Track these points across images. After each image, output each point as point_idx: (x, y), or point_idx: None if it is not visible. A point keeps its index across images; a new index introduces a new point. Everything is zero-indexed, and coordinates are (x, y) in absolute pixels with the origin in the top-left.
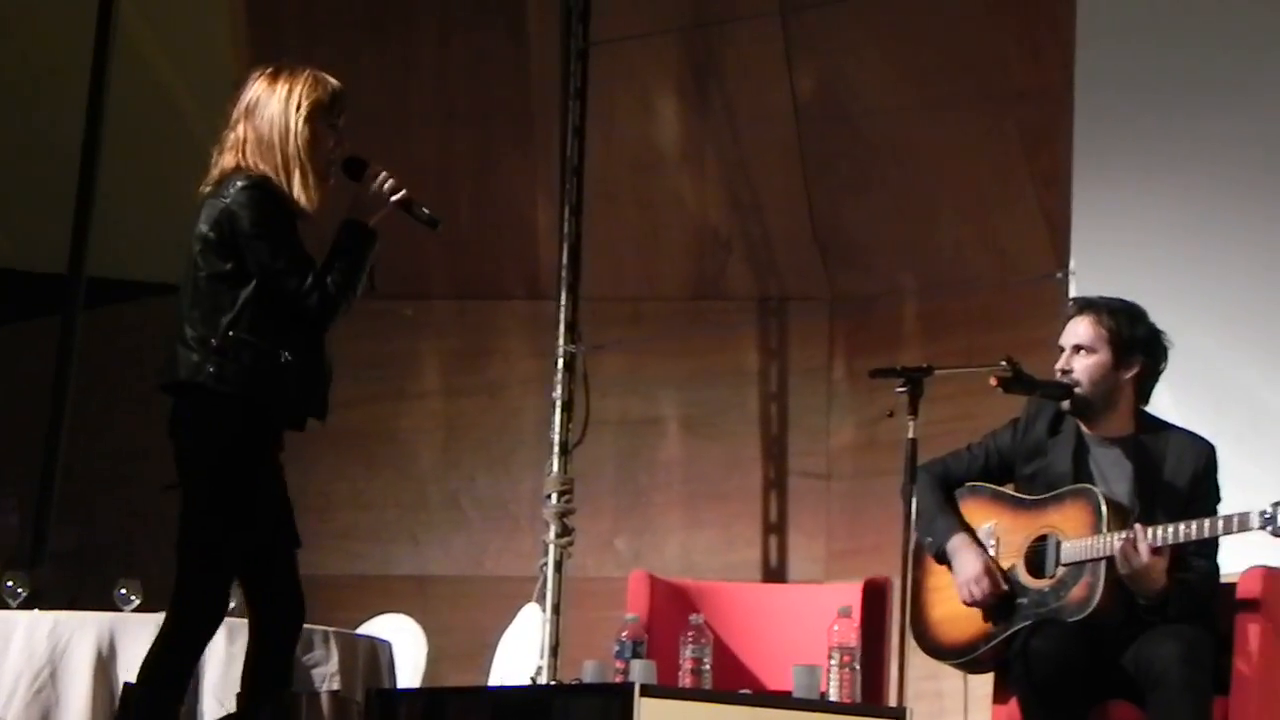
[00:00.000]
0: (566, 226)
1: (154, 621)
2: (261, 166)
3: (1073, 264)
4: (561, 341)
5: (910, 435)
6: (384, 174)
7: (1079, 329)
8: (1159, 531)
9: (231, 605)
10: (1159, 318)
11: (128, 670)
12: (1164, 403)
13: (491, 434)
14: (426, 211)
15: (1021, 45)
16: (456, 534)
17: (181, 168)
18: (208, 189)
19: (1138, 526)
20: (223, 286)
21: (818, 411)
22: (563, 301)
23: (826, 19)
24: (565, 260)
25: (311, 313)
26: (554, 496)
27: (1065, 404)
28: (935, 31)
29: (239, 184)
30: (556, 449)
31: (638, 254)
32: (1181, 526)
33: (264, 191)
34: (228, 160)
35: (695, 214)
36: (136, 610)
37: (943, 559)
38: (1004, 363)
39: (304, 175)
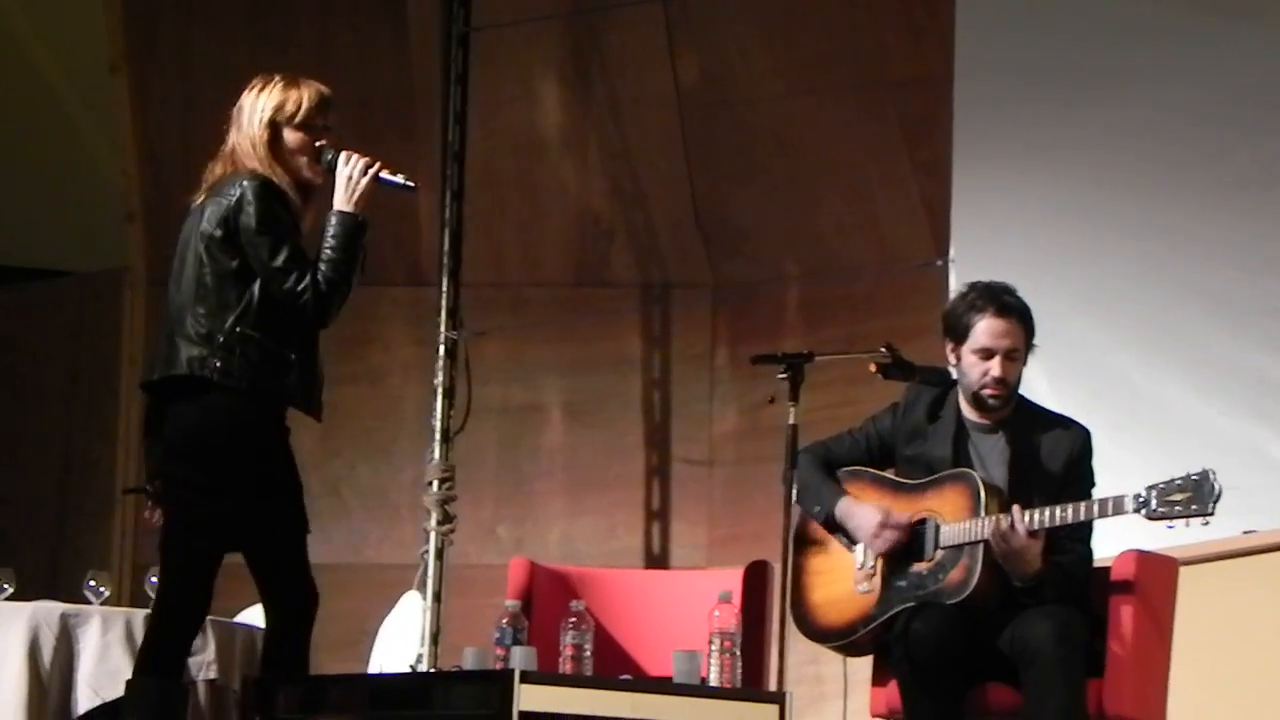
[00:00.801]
0: (448, 212)
1: (28, 610)
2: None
3: (953, 251)
4: (443, 328)
5: (791, 421)
6: (352, 155)
7: (1011, 334)
8: (1036, 514)
9: (105, 594)
10: (1037, 305)
11: (0, 660)
12: (1042, 389)
13: (372, 421)
14: (399, 178)
15: (902, 34)
16: (337, 522)
17: (58, 153)
18: (201, 197)
19: (1015, 508)
20: (230, 283)
21: (700, 398)
22: (444, 288)
23: (709, 6)
24: (447, 246)
25: (307, 311)
26: (435, 484)
27: (953, 390)
28: (817, 19)
29: (244, 182)
30: (438, 436)
31: (520, 240)
32: (1058, 509)
33: (269, 189)
34: (219, 168)
35: (578, 201)
36: (9, 599)
37: (833, 525)
38: (884, 349)
39: (281, 178)
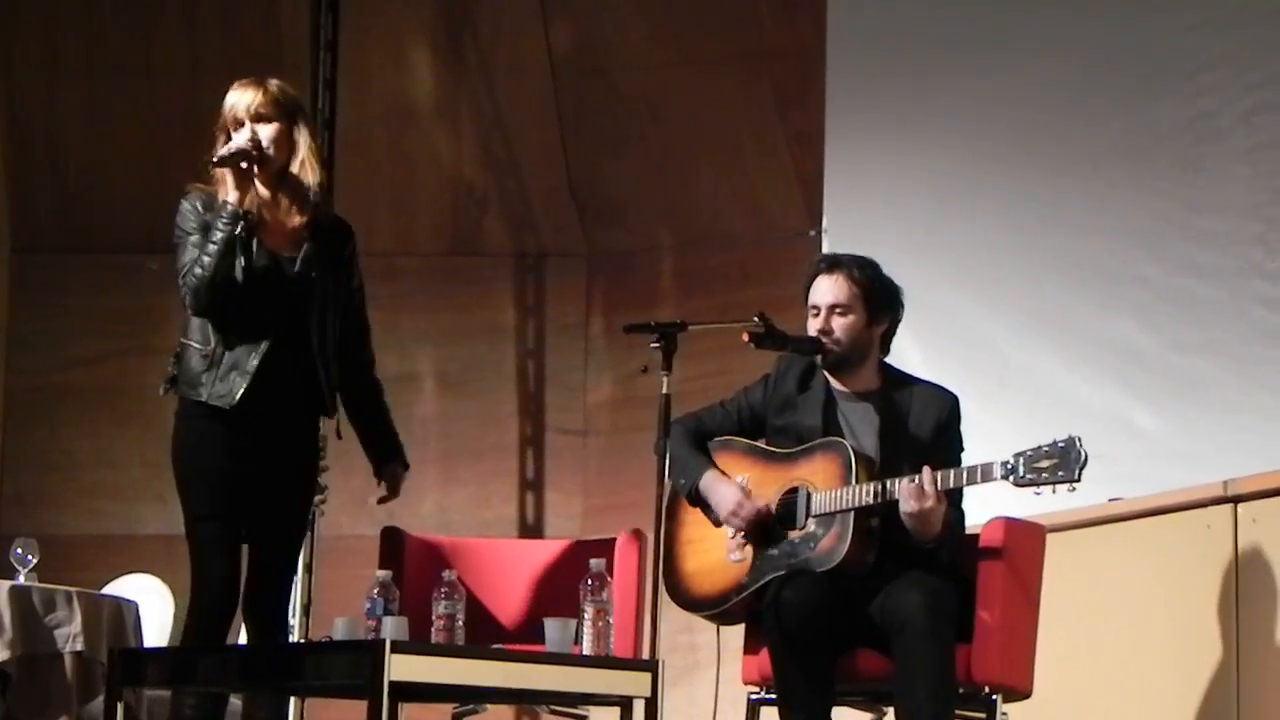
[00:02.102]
0: None
1: None
2: None
3: (825, 222)
4: None
5: (664, 391)
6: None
7: (835, 288)
8: (948, 475)
9: None
10: (909, 274)
11: None
12: (913, 359)
13: None
14: (229, 151)
15: (775, 4)
16: None
17: None
18: None
19: (925, 469)
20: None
21: (575, 368)
22: None
23: None
24: None
25: (190, 308)
26: None
27: (819, 360)
28: None
29: None
30: None
31: (392, 209)
32: (952, 472)
33: (182, 201)
34: None
35: (450, 169)
36: None
37: (696, 500)
38: (757, 319)
39: (222, 179)
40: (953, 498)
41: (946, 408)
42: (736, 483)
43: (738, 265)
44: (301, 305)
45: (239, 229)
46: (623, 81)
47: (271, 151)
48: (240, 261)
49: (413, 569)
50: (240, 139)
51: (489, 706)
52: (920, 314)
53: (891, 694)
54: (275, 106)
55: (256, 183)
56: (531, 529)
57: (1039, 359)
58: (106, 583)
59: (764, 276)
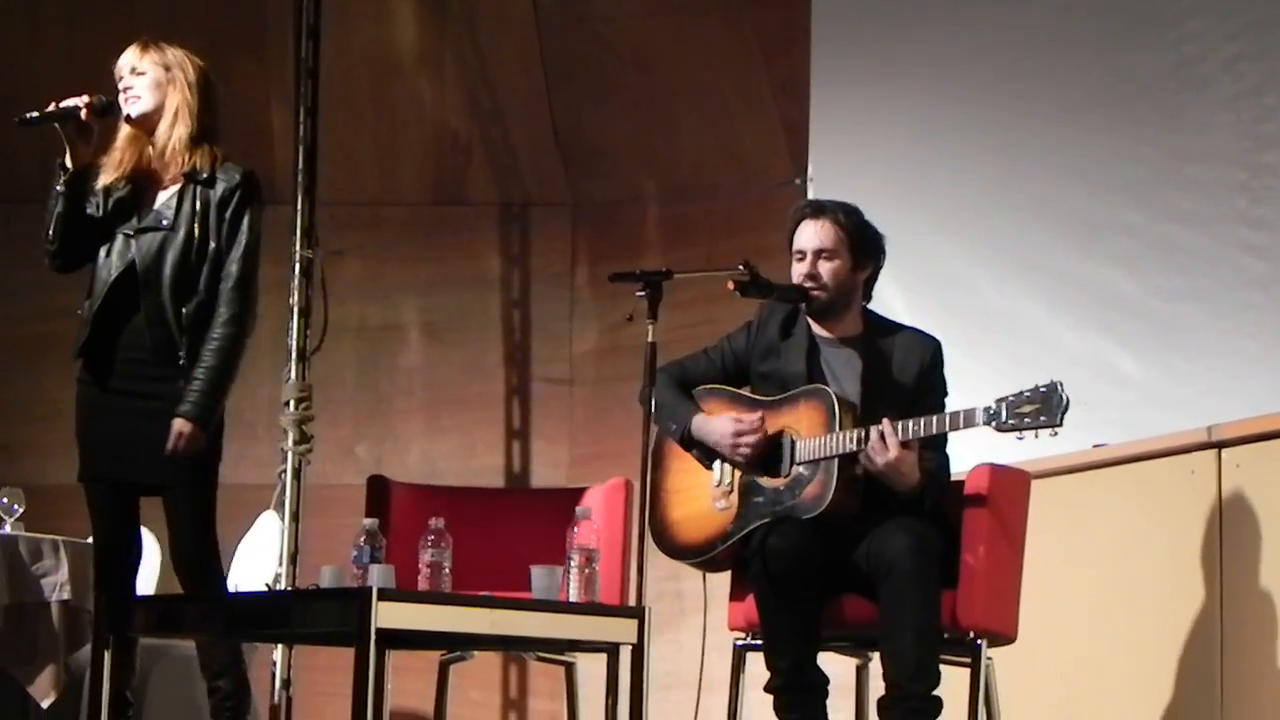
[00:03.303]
0: (302, 130)
1: None
2: None
3: (811, 170)
4: (298, 247)
5: (650, 339)
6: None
7: (820, 233)
8: (908, 425)
9: None
10: (893, 222)
11: None
12: (897, 305)
13: None
14: (66, 105)
15: None
16: None
17: None
18: None
19: (885, 422)
20: None
21: (560, 317)
22: (299, 206)
23: None
24: (301, 164)
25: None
26: (292, 404)
27: (803, 306)
28: None
29: None
30: (294, 356)
31: (376, 158)
32: (910, 422)
33: None
34: None
35: (434, 118)
36: None
37: (689, 442)
38: (742, 267)
39: None
40: (936, 443)
41: (929, 353)
42: (726, 416)
43: (723, 214)
44: (151, 257)
45: (59, 184)
46: (607, 30)
47: (142, 99)
48: (57, 207)
49: (399, 518)
50: (69, 100)
51: (476, 654)
52: (904, 260)
53: (877, 639)
54: (152, 61)
55: (123, 135)
56: (518, 478)
57: (1022, 305)
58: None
59: (749, 225)
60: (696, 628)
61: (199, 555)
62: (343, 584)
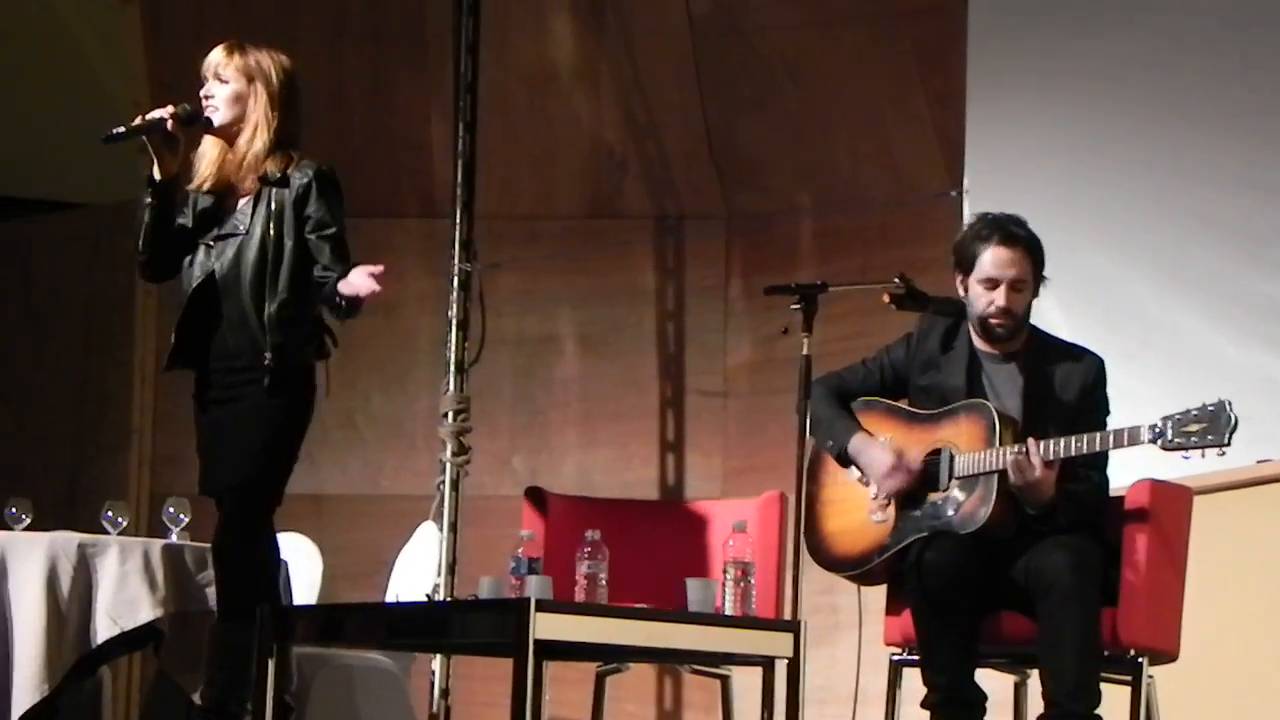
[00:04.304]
0: (461, 144)
1: (46, 540)
2: None
3: (966, 182)
4: (456, 260)
5: (805, 352)
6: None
7: (1018, 264)
8: (1051, 444)
9: (123, 524)
10: (1051, 235)
11: (18, 589)
12: (1055, 319)
13: (387, 353)
14: (152, 117)
15: None
16: (352, 453)
17: (67, 84)
18: None
19: (1030, 440)
20: None
21: (714, 330)
22: (457, 220)
23: None
24: (460, 178)
25: None
26: (450, 415)
27: (969, 323)
28: None
29: None
30: (452, 368)
31: (533, 172)
32: (1073, 440)
33: None
34: None
35: (590, 132)
36: (27, 529)
37: (845, 460)
38: (897, 280)
39: None
40: (1097, 462)
41: (1092, 371)
42: (888, 444)
43: (877, 226)
44: (229, 264)
45: (148, 198)
46: (761, 42)
47: (220, 111)
48: (146, 219)
49: (555, 529)
50: (155, 112)
51: (632, 665)
52: (1062, 274)
53: (1036, 656)
54: (236, 70)
55: (208, 143)
56: (672, 490)
57: (1183, 319)
58: None
59: (904, 238)
60: (851, 642)
61: (239, 556)
62: (501, 595)
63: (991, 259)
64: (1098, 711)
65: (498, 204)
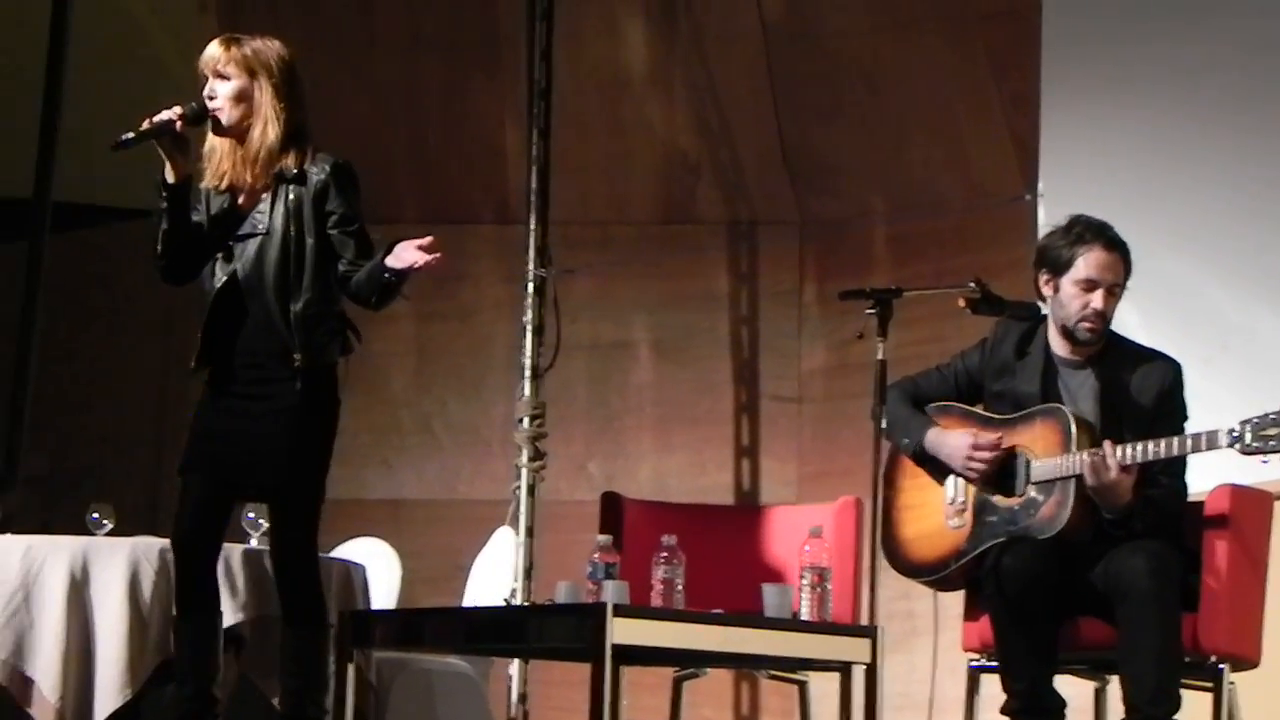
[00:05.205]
0: (535, 150)
1: (128, 545)
2: None
3: (1041, 186)
4: (531, 266)
5: (880, 357)
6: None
7: (1116, 269)
8: (1129, 448)
9: None
10: (1127, 239)
11: (101, 593)
12: (1132, 323)
13: (463, 358)
14: (160, 120)
15: None
16: (429, 458)
17: (146, 91)
18: None
19: (1106, 443)
20: None
21: (788, 335)
22: (532, 226)
23: None
24: (534, 184)
25: None
26: (526, 420)
27: (1046, 327)
28: None
29: None
30: (528, 373)
31: (607, 178)
32: (1150, 444)
33: None
34: None
35: (664, 138)
36: (109, 534)
37: (922, 458)
38: (972, 284)
39: None
40: (1174, 468)
41: (1169, 375)
42: (962, 431)
43: (951, 231)
44: (251, 263)
45: (162, 202)
46: (835, 47)
47: (226, 109)
48: (162, 223)
49: (632, 534)
50: (162, 115)
51: (709, 670)
52: (1138, 279)
53: (1115, 662)
54: (236, 65)
55: (216, 141)
56: (747, 496)
57: (1262, 322)
58: (335, 546)
59: (978, 242)
60: (928, 648)
61: (297, 561)
62: (578, 600)
63: (1094, 261)
64: (1177, 717)
65: (572, 210)
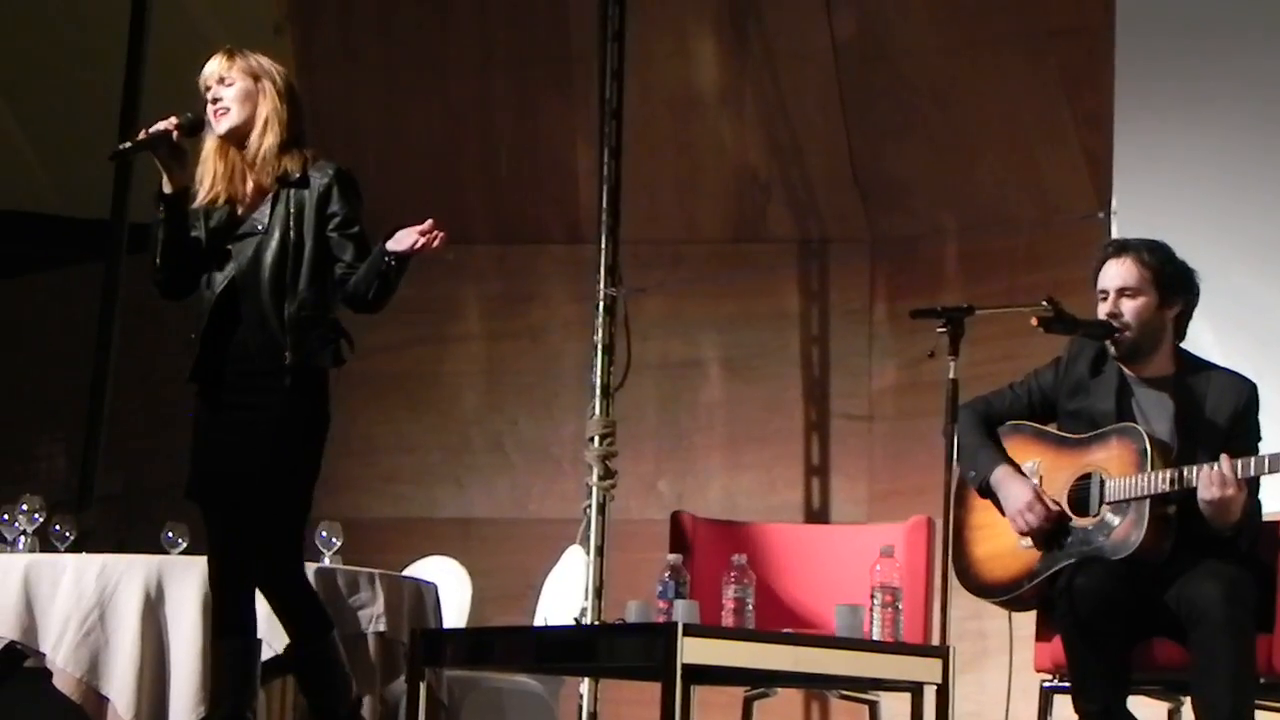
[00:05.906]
0: (606, 170)
1: (200, 564)
2: None
3: (1114, 203)
4: (602, 285)
5: (951, 376)
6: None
7: (1121, 271)
8: (1241, 462)
9: None
10: (1200, 257)
11: (175, 612)
12: (1206, 342)
13: (533, 377)
14: (156, 130)
15: None
16: (500, 477)
17: None
18: None
19: (1224, 457)
20: None
21: (859, 353)
22: (603, 245)
23: None
24: (605, 204)
25: None
26: (596, 439)
27: (1110, 346)
28: None
29: None
30: (598, 392)
31: (677, 197)
32: (1266, 458)
33: None
34: None
35: (734, 156)
36: (184, 553)
37: (987, 492)
38: (1045, 302)
39: None
40: (1250, 486)
41: (1245, 395)
42: (1029, 481)
43: (1024, 249)
44: (248, 262)
45: (160, 213)
46: (906, 66)
47: (234, 110)
48: (160, 234)
49: (702, 553)
50: (158, 125)
51: (779, 690)
52: (1213, 298)
53: (1189, 684)
54: (240, 71)
55: (211, 155)
56: (817, 514)
57: None
58: (406, 565)
59: (1051, 260)
60: (1000, 668)
61: (278, 577)
62: (648, 619)
63: (1102, 274)
64: None
65: (642, 229)
